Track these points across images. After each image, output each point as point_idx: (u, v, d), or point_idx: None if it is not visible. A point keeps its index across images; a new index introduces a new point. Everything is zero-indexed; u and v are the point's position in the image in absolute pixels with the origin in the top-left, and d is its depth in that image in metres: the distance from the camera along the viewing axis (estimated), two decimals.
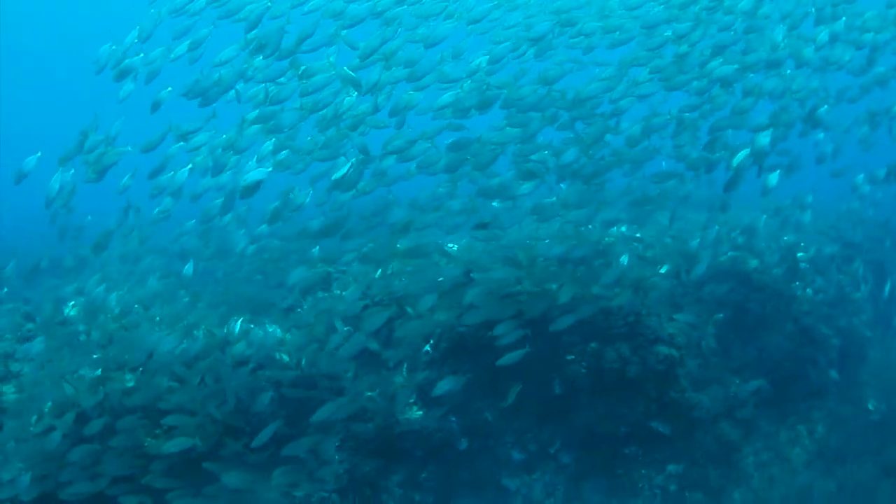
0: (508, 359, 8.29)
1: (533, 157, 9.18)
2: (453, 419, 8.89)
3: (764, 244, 11.05)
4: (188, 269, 10.20)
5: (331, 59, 9.09)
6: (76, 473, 7.71)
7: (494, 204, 9.55)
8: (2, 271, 11.19)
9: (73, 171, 9.38)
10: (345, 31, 8.94)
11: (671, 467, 9.17)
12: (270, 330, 8.99)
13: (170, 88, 9.33)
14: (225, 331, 9.12)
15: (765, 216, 11.15)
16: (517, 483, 9.05)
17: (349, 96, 9.09)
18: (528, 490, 9.03)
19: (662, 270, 9.67)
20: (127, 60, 9.30)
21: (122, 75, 9.34)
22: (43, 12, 54.74)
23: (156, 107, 9.40)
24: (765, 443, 10.19)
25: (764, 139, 9.27)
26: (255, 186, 8.33)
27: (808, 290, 10.67)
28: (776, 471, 10.02)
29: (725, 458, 9.56)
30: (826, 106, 10.17)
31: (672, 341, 8.93)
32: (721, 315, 9.72)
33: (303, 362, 8.97)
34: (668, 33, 9.49)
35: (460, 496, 9.05)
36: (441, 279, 9.06)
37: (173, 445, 7.95)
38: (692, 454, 9.29)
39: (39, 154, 9.62)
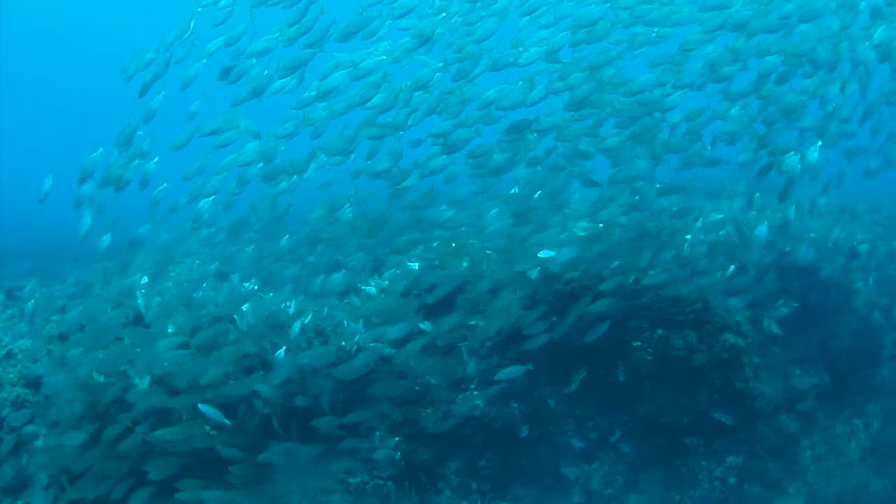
0: (509, 373, 8.31)
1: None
2: (515, 405, 8.73)
3: (821, 235, 10.86)
4: None
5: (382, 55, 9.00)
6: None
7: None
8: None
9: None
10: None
11: (731, 459, 8.96)
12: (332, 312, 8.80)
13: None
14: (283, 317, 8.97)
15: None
16: (576, 472, 8.86)
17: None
18: (586, 479, 8.84)
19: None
20: (152, 70, 8.99)
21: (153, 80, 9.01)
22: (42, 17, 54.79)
23: (190, 116, 9.23)
24: (822, 436, 9.99)
25: (813, 154, 9.13)
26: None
27: (868, 281, 10.48)
28: (832, 465, 9.82)
29: (784, 450, 9.36)
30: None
31: (738, 329, 8.75)
32: (782, 302, 9.50)
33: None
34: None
35: (518, 485, 8.87)
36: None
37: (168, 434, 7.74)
38: (752, 446, 9.09)
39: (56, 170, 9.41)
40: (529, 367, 8.33)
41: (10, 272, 10.99)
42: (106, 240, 9.12)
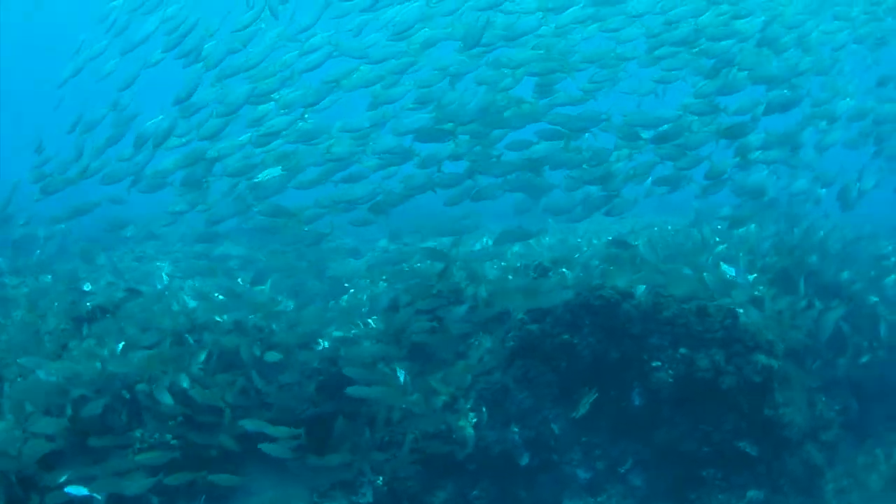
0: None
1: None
2: (515, 430, 7.66)
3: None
4: None
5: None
6: None
7: None
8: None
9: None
10: None
11: (752, 493, 7.98)
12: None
13: None
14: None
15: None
16: None
17: None
18: None
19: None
20: None
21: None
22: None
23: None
24: (844, 468, 9.13)
25: None
26: None
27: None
28: (854, 498, 8.98)
29: (809, 483, 8.45)
30: None
31: (771, 349, 7.76)
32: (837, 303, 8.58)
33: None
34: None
35: None
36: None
37: None
38: (776, 480, 8.13)
39: None
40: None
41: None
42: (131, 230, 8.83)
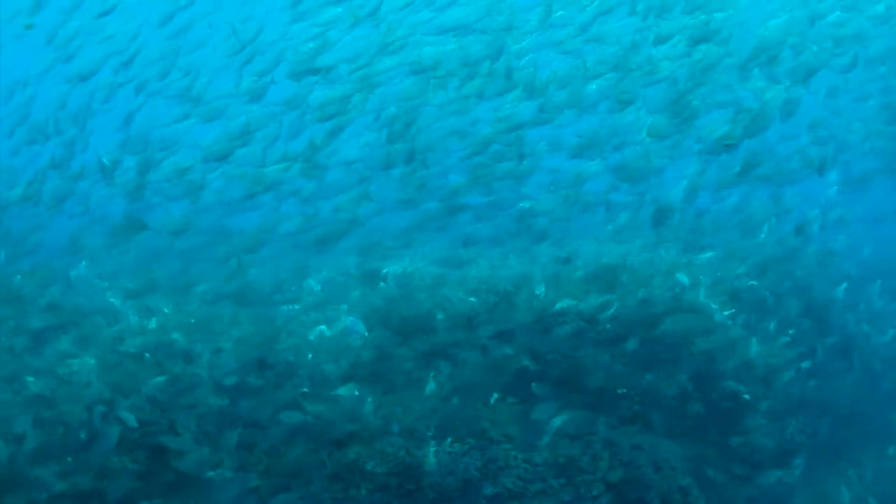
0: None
1: None
2: (478, 456, 7.48)
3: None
4: None
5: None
6: None
7: None
8: None
9: None
10: None
11: None
12: None
13: None
14: None
15: None
16: None
17: None
18: None
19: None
20: None
21: None
22: None
23: None
24: (816, 489, 9.08)
25: None
26: None
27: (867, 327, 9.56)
28: None
29: None
30: None
31: (740, 374, 7.66)
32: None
33: None
34: None
35: None
36: None
37: None
38: None
39: None
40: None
41: None
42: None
